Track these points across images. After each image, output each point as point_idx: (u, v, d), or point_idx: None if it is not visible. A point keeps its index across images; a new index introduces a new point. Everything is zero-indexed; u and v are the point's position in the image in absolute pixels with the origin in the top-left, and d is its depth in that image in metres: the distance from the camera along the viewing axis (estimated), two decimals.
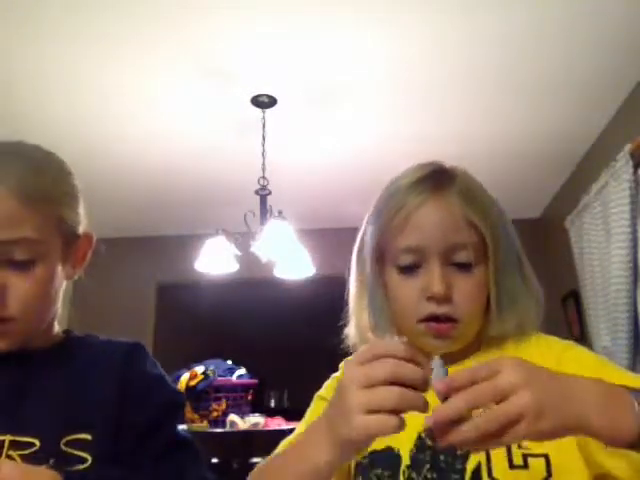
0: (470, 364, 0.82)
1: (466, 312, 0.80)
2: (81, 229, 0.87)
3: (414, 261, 0.81)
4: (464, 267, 0.80)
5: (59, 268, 0.82)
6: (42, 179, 0.80)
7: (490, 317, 0.82)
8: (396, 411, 0.56)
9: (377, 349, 0.59)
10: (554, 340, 0.84)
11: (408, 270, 0.82)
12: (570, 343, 0.83)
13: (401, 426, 0.56)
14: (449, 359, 0.83)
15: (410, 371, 0.57)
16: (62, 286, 0.86)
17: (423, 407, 0.57)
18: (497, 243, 0.81)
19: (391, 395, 0.56)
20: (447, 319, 0.79)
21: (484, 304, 0.82)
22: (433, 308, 0.79)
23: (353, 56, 2.49)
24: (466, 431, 0.55)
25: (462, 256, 0.80)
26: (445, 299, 0.79)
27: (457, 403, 0.55)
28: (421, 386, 0.58)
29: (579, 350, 0.81)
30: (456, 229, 0.80)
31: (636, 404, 0.58)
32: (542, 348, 0.82)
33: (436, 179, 0.83)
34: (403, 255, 0.82)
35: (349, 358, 0.62)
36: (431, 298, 0.79)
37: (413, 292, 0.81)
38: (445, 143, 3.03)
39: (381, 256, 0.85)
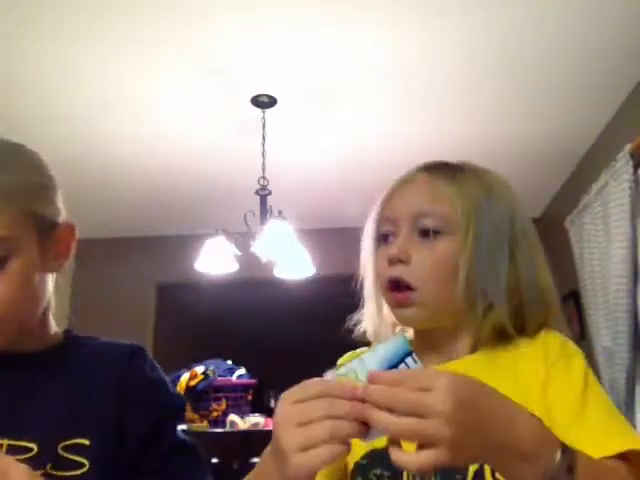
0: (469, 361, 0.81)
1: (421, 279, 0.80)
2: (59, 219, 0.84)
3: (390, 231, 0.84)
4: (427, 234, 0.81)
5: (37, 262, 0.80)
6: (9, 173, 0.78)
7: (465, 301, 0.80)
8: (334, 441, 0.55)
9: (311, 389, 0.57)
10: (558, 341, 0.81)
11: (384, 240, 0.85)
12: (570, 351, 0.80)
13: (342, 453, 0.55)
14: (447, 356, 0.83)
15: (344, 408, 0.55)
16: (46, 281, 0.84)
17: (360, 434, 0.55)
18: (472, 225, 0.80)
19: (323, 428, 0.54)
20: (405, 288, 0.80)
21: (449, 280, 0.80)
22: (390, 271, 0.81)
23: (353, 56, 2.48)
24: (377, 421, 0.53)
25: (426, 222, 0.81)
26: (399, 261, 0.80)
27: (376, 394, 0.54)
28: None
29: (573, 367, 0.78)
30: (428, 199, 0.82)
31: (556, 465, 0.57)
32: (548, 348, 0.79)
33: (432, 165, 0.88)
34: (383, 225, 0.86)
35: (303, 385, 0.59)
36: (389, 261, 0.81)
37: (383, 259, 0.83)
38: (445, 143, 3.03)
39: (376, 237, 0.88)
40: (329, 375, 0.59)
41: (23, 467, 0.62)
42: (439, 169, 0.86)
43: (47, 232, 0.82)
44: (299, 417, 0.56)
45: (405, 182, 0.87)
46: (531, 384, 0.77)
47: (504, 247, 0.82)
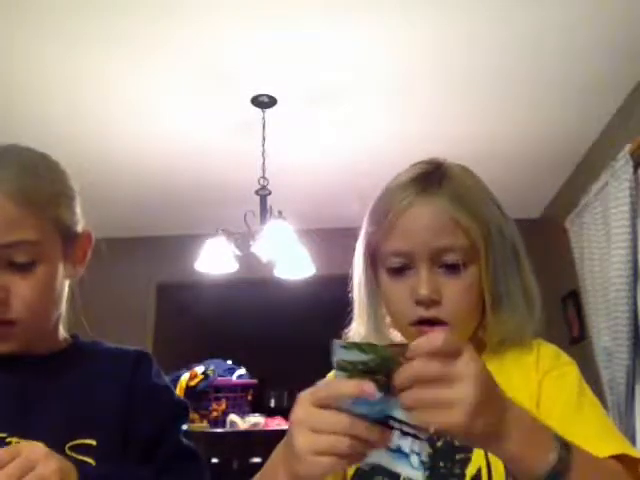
0: None
1: (455, 314, 0.79)
2: (79, 228, 0.87)
3: (403, 264, 0.81)
4: (452, 269, 0.79)
5: (60, 267, 0.83)
6: (38, 181, 0.81)
7: (486, 320, 0.82)
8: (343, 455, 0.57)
9: (331, 393, 0.58)
10: (552, 352, 0.83)
11: (398, 272, 0.82)
12: (563, 361, 0.82)
13: (341, 466, 0.58)
14: None
15: (344, 427, 0.56)
16: (64, 287, 0.86)
17: (356, 457, 0.58)
18: (489, 245, 0.80)
19: (327, 441, 0.57)
20: (437, 322, 0.79)
21: (477, 306, 0.81)
22: (421, 312, 0.79)
23: (353, 56, 2.48)
24: (406, 396, 0.55)
25: (449, 258, 0.79)
26: (432, 302, 0.79)
27: (408, 372, 0.56)
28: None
29: (567, 374, 0.80)
30: (443, 232, 0.79)
31: (555, 452, 0.59)
32: (540, 358, 0.81)
33: (424, 181, 0.83)
34: (392, 258, 0.82)
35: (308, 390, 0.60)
36: (419, 302, 0.79)
37: (403, 294, 0.81)
38: (445, 143, 3.02)
39: (373, 258, 0.86)
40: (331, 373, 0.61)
41: (33, 443, 0.64)
42: (434, 189, 0.81)
43: (70, 240, 0.85)
44: (311, 423, 0.58)
45: (406, 209, 0.81)
46: (522, 394, 0.77)
47: (514, 259, 0.83)
